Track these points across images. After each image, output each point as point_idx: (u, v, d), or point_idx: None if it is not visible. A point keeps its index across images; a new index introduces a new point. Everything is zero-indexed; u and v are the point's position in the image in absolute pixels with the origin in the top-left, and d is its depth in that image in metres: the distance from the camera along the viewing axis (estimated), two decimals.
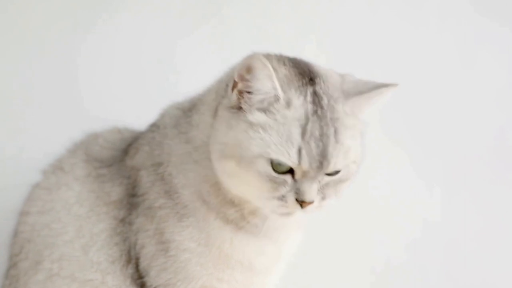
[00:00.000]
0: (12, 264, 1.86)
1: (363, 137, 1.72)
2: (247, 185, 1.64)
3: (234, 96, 1.64)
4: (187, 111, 1.80)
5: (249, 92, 1.62)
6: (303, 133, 1.60)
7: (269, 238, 1.76)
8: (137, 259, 1.75)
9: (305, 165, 1.59)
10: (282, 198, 1.62)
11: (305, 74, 1.66)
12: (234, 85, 1.64)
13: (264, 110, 1.62)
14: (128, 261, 1.76)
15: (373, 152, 2.51)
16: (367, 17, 2.58)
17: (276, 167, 1.60)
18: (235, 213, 1.72)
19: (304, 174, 1.61)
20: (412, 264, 2.57)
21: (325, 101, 1.63)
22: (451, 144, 2.58)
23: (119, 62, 2.60)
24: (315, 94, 1.63)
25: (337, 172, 1.64)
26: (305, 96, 1.63)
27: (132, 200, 1.78)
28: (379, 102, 1.68)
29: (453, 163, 2.58)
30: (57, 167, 1.91)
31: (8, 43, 2.64)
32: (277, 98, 1.61)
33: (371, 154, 2.53)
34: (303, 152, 1.59)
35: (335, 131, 1.61)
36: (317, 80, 1.65)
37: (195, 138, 1.74)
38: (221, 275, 1.73)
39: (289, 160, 1.59)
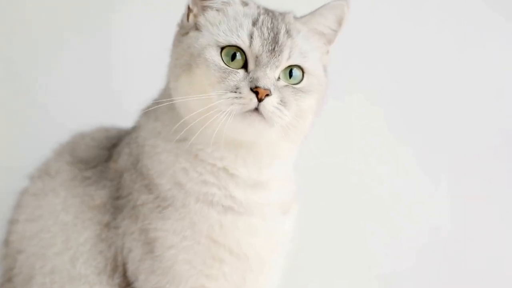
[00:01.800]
0: (7, 279, 1.86)
1: (327, 78, 1.80)
2: (199, 85, 1.66)
3: (190, 20, 1.74)
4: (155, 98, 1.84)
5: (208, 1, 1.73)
6: (255, 23, 1.69)
7: (255, 214, 1.73)
8: (125, 264, 1.74)
9: (257, 45, 1.66)
10: (236, 89, 1.63)
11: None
12: (189, 12, 1.75)
13: (219, 10, 1.73)
14: (114, 270, 1.75)
15: (379, 153, 2.54)
16: (370, 14, 2.60)
17: (227, 61, 1.66)
18: (218, 191, 1.71)
19: (258, 61, 1.66)
20: (419, 267, 2.54)
21: (277, 14, 1.76)
22: (458, 142, 2.56)
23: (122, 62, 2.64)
24: (269, 11, 1.76)
25: (296, 84, 1.69)
26: (259, 8, 1.75)
27: (116, 203, 1.77)
28: (331, 15, 1.78)
29: (460, 162, 2.55)
30: (43, 172, 1.89)
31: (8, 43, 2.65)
32: (234, 1, 1.74)
33: (376, 155, 2.56)
34: (255, 34, 1.67)
35: (287, 29, 1.71)
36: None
37: (161, 108, 1.76)
38: (210, 271, 1.71)
39: (239, 40, 1.66)
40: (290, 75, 1.71)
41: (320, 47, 1.78)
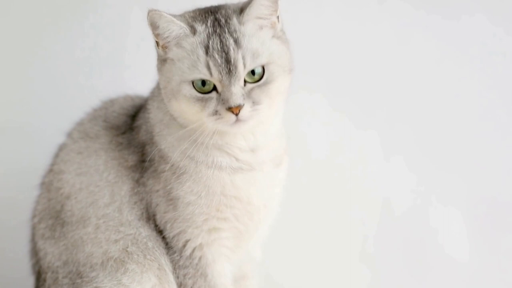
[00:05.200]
0: (52, 217, 2.19)
1: (286, 42, 2.04)
2: (188, 114, 1.99)
3: (160, 51, 2.03)
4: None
5: (165, 39, 1.99)
6: (207, 50, 1.94)
7: (256, 169, 2.10)
8: (154, 215, 2.14)
9: (215, 74, 1.93)
10: (216, 112, 1.95)
11: (210, 10, 2.03)
12: (157, 44, 2.02)
13: (178, 45, 1.99)
14: (148, 218, 2.14)
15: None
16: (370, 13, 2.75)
17: (200, 88, 1.96)
18: (227, 158, 2.08)
19: (223, 83, 1.94)
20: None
21: (222, 21, 1.98)
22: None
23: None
24: (215, 19, 1.99)
25: (260, 78, 1.96)
26: (206, 23, 1.98)
27: (142, 164, 2.16)
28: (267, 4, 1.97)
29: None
30: (83, 133, 2.24)
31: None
32: (185, 32, 1.97)
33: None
34: (210, 64, 1.93)
35: (235, 40, 1.95)
36: (218, 10, 2.02)
37: (161, 103, 2.10)
38: (223, 215, 2.09)
39: (201, 74, 1.94)
40: (253, 73, 1.96)
41: (268, 26, 2.01)
